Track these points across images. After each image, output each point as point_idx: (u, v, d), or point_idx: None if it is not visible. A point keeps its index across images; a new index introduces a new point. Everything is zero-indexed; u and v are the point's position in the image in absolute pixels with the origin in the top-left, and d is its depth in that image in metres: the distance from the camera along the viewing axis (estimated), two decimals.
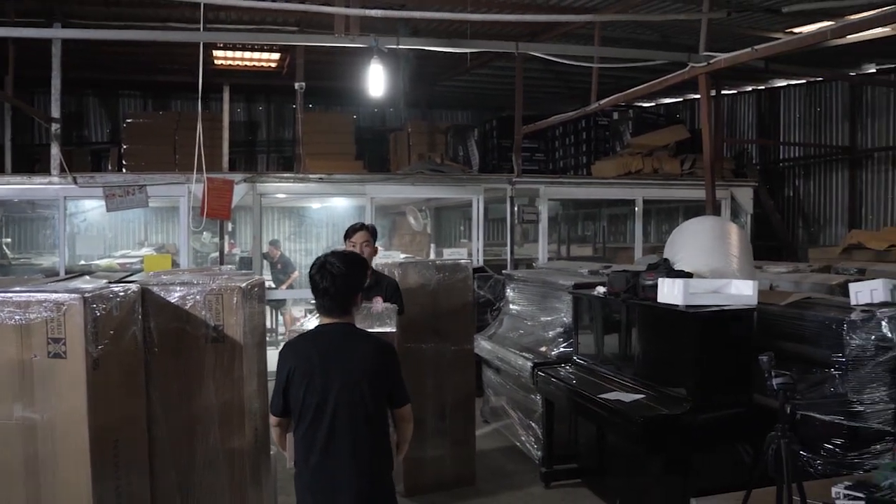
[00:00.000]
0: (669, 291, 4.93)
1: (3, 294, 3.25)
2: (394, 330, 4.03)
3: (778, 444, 3.27)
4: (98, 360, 3.31)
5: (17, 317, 3.22)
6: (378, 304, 4.84)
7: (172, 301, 3.85)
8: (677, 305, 4.86)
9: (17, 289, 3.40)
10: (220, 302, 3.86)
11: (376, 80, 7.89)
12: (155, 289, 3.86)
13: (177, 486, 3.87)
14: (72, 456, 3.22)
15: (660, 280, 5.05)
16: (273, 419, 3.52)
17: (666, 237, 6.59)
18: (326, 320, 3.49)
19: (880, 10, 5.68)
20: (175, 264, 10.23)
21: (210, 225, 10.09)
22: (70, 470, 3.22)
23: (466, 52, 9.02)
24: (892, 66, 12.04)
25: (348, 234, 5.56)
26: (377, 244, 5.84)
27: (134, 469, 3.66)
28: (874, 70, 12.31)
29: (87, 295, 3.26)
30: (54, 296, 3.24)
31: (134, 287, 3.74)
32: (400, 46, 7.53)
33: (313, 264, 3.53)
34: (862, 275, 7.66)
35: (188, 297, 3.86)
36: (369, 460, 3.36)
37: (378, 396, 3.39)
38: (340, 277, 3.42)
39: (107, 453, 3.40)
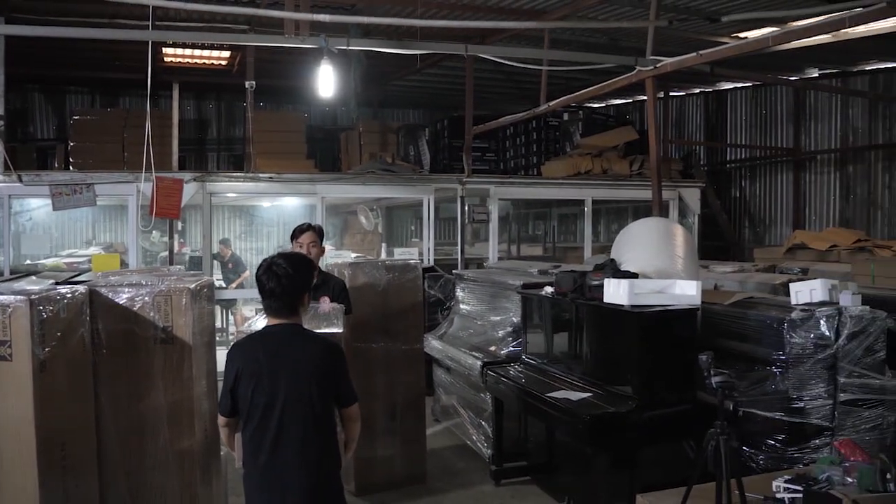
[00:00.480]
0: (615, 291, 5.02)
1: None
2: (341, 330, 4.04)
3: (717, 440, 3.37)
4: (45, 362, 3.29)
5: None
6: (325, 304, 4.86)
7: (121, 302, 3.84)
8: (622, 305, 4.95)
9: None
10: (169, 303, 3.86)
11: (326, 81, 7.87)
12: (103, 290, 3.84)
13: (126, 488, 3.86)
14: (18, 459, 3.19)
15: (606, 280, 5.13)
16: (221, 419, 3.53)
17: (615, 237, 6.69)
18: (274, 321, 3.50)
19: (821, 18, 5.85)
20: (124, 264, 10.09)
21: (159, 224, 9.97)
22: (16, 473, 3.19)
23: (416, 54, 9.03)
24: (835, 70, 12.35)
25: (295, 234, 5.57)
26: (326, 244, 5.89)
27: (82, 472, 3.64)
28: (817, 74, 12.61)
29: (33, 297, 3.23)
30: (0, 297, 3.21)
31: (81, 288, 3.72)
32: (350, 47, 7.54)
33: (260, 266, 3.56)
34: (805, 274, 7.88)
35: (137, 299, 3.85)
36: (317, 460, 3.38)
37: (325, 396, 3.42)
38: (287, 278, 3.45)
39: (54, 456, 3.37)
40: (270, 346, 3.42)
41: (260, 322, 4.12)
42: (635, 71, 7.69)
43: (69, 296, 3.55)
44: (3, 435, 3.19)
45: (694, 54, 6.74)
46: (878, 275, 7.53)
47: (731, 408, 4.76)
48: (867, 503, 3.51)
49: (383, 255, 11.84)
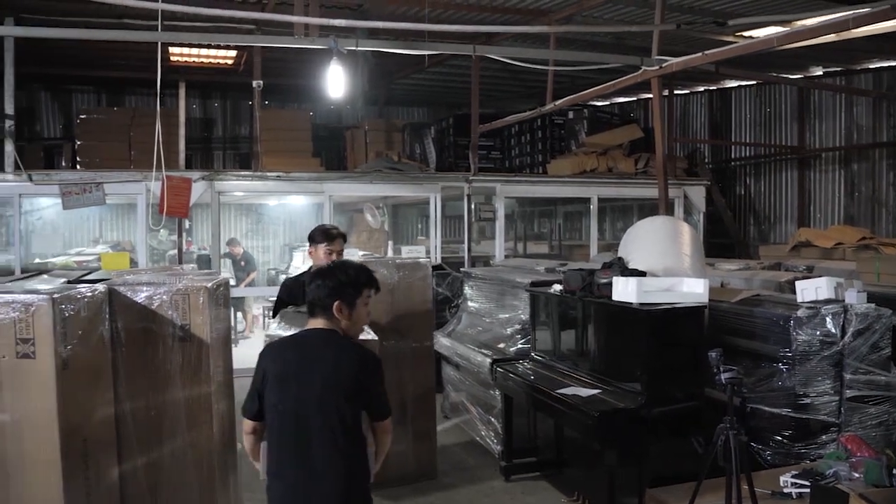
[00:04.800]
0: (623, 290, 5.07)
1: None
2: (375, 338, 4.05)
3: (727, 435, 3.43)
4: (67, 360, 3.35)
5: None
6: None
7: (139, 301, 3.89)
8: (631, 303, 5.00)
9: None
10: (187, 301, 3.91)
11: (336, 82, 7.93)
12: (122, 289, 3.90)
13: (146, 483, 3.92)
14: (42, 456, 3.25)
15: (614, 279, 5.19)
16: (247, 425, 3.40)
17: (621, 235, 6.74)
18: (311, 325, 3.39)
19: (826, 18, 5.90)
20: (133, 262, 10.17)
21: (167, 223, 10.05)
22: (40, 470, 3.26)
23: (425, 54, 9.11)
24: (839, 69, 12.39)
25: (323, 238, 5.34)
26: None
27: (103, 467, 3.70)
28: (821, 73, 12.65)
29: (55, 296, 3.29)
30: (23, 296, 3.27)
31: (101, 287, 3.78)
32: (359, 48, 7.60)
33: (310, 273, 3.49)
34: (810, 272, 7.91)
35: (155, 297, 3.90)
36: (346, 471, 3.23)
37: (357, 406, 3.28)
38: (327, 280, 3.36)
39: (76, 453, 3.44)
40: (303, 351, 3.31)
41: (278, 326, 4.15)
42: (641, 71, 7.74)
43: (89, 295, 3.61)
44: (28, 430, 3.25)
45: (699, 54, 6.79)
46: (883, 272, 7.60)
47: (739, 404, 4.84)
48: (874, 498, 3.56)
49: (390, 253, 11.90)
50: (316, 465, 3.19)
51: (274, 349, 3.44)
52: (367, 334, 4.01)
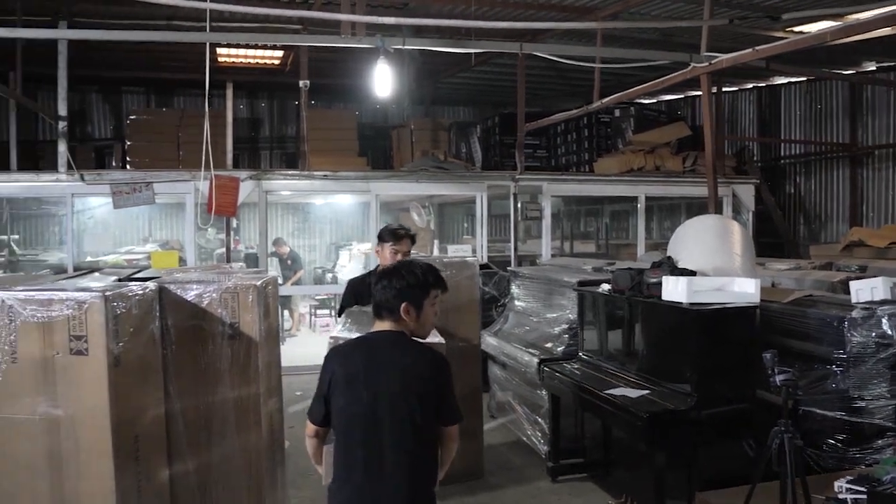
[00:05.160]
0: (674, 289, 5.01)
1: (26, 292, 3.31)
2: (443, 341, 4.00)
3: (782, 438, 3.35)
4: (119, 356, 3.38)
5: (39, 315, 3.27)
6: None
7: (189, 299, 3.92)
8: (681, 303, 4.94)
9: (39, 287, 3.47)
10: (236, 300, 3.93)
11: (383, 80, 7.95)
12: (172, 287, 3.93)
13: (196, 481, 3.95)
14: (94, 450, 3.29)
15: (664, 278, 5.12)
16: (310, 428, 3.33)
17: (668, 234, 6.66)
18: (378, 327, 3.30)
19: (880, 11, 5.74)
20: (182, 261, 10.31)
21: (215, 222, 10.17)
22: (93, 464, 3.29)
23: (471, 52, 9.09)
24: (892, 64, 12.09)
25: (393, 237, 5.35)
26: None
27: (153, 464, 3.74)
28: (874, 68, 12.37)
29: (108, 293, 3.33)
30: (76, 294, 3.31)
31: (151, 285, 3.82)
32: (406, 47, 7.61)
33: (377, 273, 3.42)
34: (863, 272, 7.73)
35: (204, 295, 3.93)
36: (416, 479, 3.16)
37: (427, 410, 3.16)
38: (395, 280, 3.26)
39: (128, 448, 3.47)
40: (372, 353, 3.21)
41: (343, 328, 4.12)
42: (690, 67, 7.63)
43: (140, 292, 3.65)
44: (82, 426, 3.29)
45: (750, 50, 6.67)
46: None
47: (792, 406, 4.74)
48: None
49: (436, 252, 11.91)
50: (386, 471, 3.11)
51: (341, 352, 3.35)
52: (435, 337, 3.95)
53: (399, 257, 5.11)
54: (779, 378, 3.49)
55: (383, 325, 3.28)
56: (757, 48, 6.66)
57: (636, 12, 9.58)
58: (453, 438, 3.34)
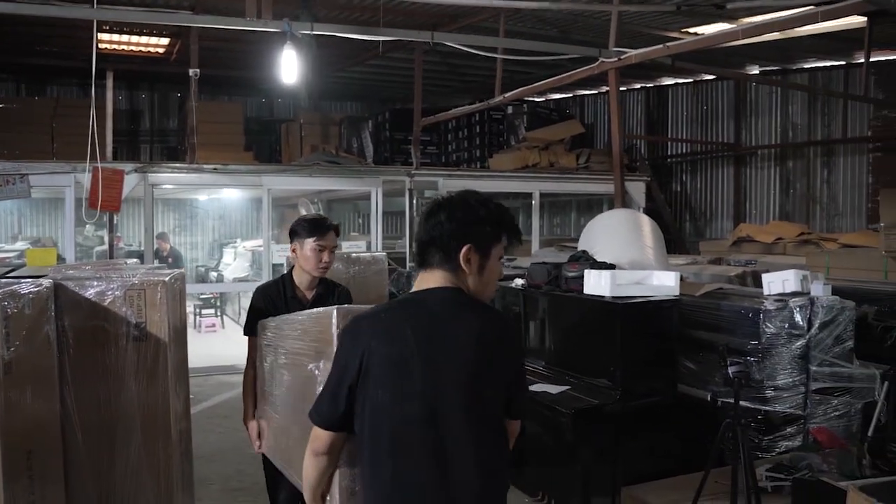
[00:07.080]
0: (596, 283, 4.95)
1: None
2: None
3: (734, 429, 3.33)
4: (10, 363, 3.01)
5: None
6: None
7: (89, 297, 3.56)
8: (604, 297, 4.88)
9: None
10: (143, 297, 3.59)
11: (289, 67, 7.60)
12: (69, 284, 3.55)
13: (96, 498, 3.59)
14: None
15: (586, 272, 5.06)
16: (320, 441, 2.30)
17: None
18: (426, 284, 2.32)
19: (795, 11, 5.84)
20: (60, 259, 9.66)
21: (97, 217, 9.57)
22: None
23: (378, 40, 8.82)
24: (775, 68, 12.56)
25: (315, 230, 3.94)
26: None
27: (49, 481, 3.36)
28: (758, 72, 12.82)
29: None
30: None
31: (46, 282, 3.44)
32: (314, 32, 7.31)
33: (426, 205, 2.49)
34: (754, 266, 7.97)
35: (107, 293, 3.56)
36: (494, 494, 2.30)
37: (500, 395, 2.31)
38: (460, 213, 2.29)
39: (20, 466, 3.09)
40: (424, 322, 2.23)
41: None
42: (598, 62, 7.63)
43: (35, 290, 3.27)
44: None
45: (661, 46, 6.72)
46: (832, 266, 7.67)
47: (710, 398, 4.76)
48: (871, 490, 3.42)
49: None
50: (454, 475, 2.19)
51: (376, 321, 2.30)
52: None
53: (325, 256, 3.93)
54: (731, 370, 3.49)
55: (432, 279, 2.30)
56: (668, 45, 6.71)
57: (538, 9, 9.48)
58: (514, 435, 2.49)
